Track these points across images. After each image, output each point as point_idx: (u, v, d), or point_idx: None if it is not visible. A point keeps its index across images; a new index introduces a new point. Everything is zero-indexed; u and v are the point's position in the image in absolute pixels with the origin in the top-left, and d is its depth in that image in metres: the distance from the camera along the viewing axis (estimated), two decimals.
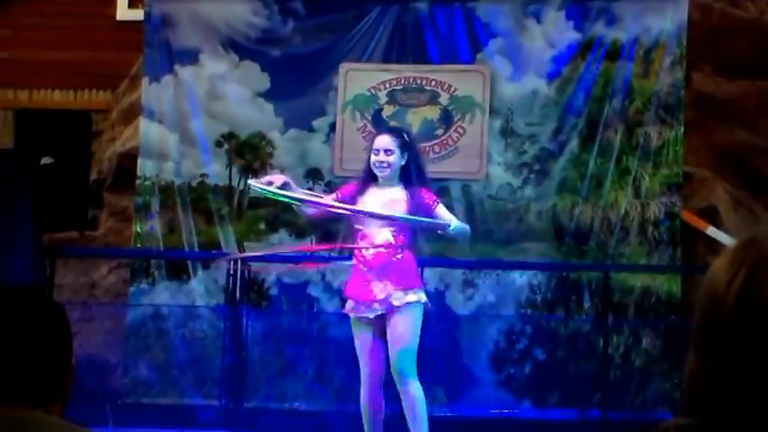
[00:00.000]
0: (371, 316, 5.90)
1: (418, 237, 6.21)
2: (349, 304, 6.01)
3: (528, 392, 8.49)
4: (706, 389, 1.19)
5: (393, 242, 5.94)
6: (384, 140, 6.08)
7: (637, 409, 8.19)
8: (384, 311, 5.88)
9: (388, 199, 5.99)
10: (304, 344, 8.58)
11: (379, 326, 5.93)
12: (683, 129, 8.64)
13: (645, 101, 8.68)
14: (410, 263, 5.99)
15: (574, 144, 8.70)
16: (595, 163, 8.65)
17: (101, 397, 8.09)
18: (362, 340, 5.97)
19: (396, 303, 5.86)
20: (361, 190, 6.08)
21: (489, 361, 8.53)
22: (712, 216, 8.59)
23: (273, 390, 8.51)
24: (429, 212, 5.94)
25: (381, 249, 5.90)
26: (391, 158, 6.01)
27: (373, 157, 6.04)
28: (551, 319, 8.63)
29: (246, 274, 8.60)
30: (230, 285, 8.57)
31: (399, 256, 5.93)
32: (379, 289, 5.89)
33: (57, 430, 1.73)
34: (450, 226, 5.82)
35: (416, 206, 5.94)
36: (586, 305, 8.61)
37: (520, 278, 8.63)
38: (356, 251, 6.03)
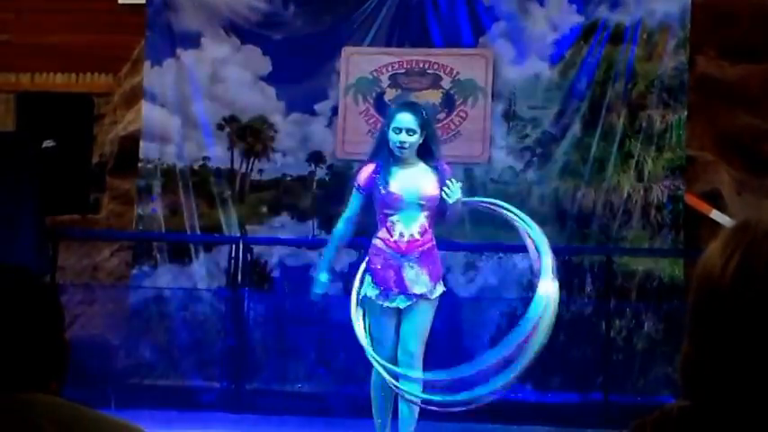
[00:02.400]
0: (402, 306, 5.79)
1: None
2: (374, 290, 5.82)
3: (529, 376, 8.47)
4: (703, 372, 1.19)
5: (428, 228, 5.85)
6: (407, 119, 5.87)
7: (638, 392, 8.20)
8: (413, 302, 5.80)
9: (419, 179, 5.87)
10: (305, 326, 8.59)
11: (397, 314, 5.84)
12: (686, 112, 8.63)
13: (648, 84, 8.67)
14: (436, 250, 5.92)
15: (576, 128, 8.69)
16: (598, 146, 8.64)
17: (103, 378, 8.12)
18: (382, 325, 5.84)
19: (429, 297, 5.81)
20: (384, 171, 5.88)
21: (491, 344, 8.52)
22: (715, 200, 8.58)
23: (275, 372, 8.53)
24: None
25: None
26: (413, 138, 5.84)
27: (394, 136, 5.85)
28: None
29: (248, 257, 8.62)
30: (232, 268, 8.59)
31: (430, 244, 5.84)
32: (413, 278, 5.77)
33: (57, 410, 1.73)
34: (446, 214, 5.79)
35: (442, 181, 5.85)
36: (588, 289, 8.61)
37: (522, 261, 8.63)
38: (386, 236, 5.85)
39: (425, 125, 5.94)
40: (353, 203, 5.98)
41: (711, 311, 1.20)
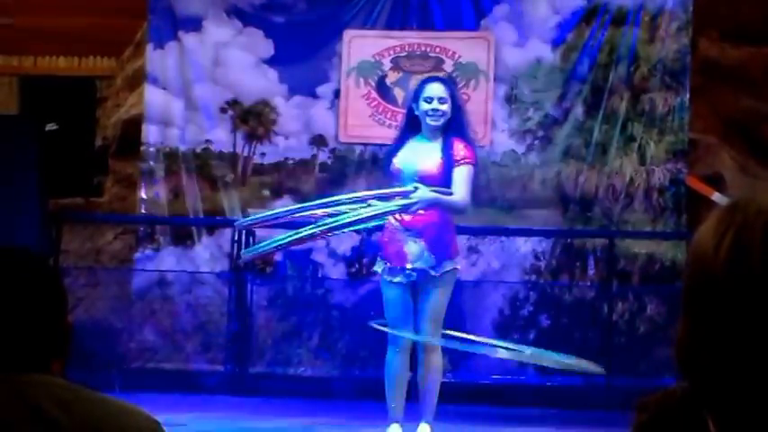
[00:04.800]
0: (405, 282, 5.73)
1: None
2: (381, 265, 5.82)
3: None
4: (700, 354, 1.19)
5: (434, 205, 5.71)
6: (438, 89, 5.81)
7: (641, 375, 8.21)
8: (417, 278, 5.72)
9: (422, 154, 5.77)
10: (308, 310, 8.61)
11: (412, 289, 5.76)
12: (688, 95, 8.62)
13: (650, 67, 8.66)
14: (448, 225, 5.79)
15: (578, 111, 8.69)
16: (600, 130, 8.63)
17: (107, 362, 8.15)
18: (392, 302, 5.78)
19: (432, 274, 5.70)
20: (399, 145, 5.84)
21: (493, 327, 8.54)
22: (717, 183, 8.58)
23: (278, 355, 8.55)
24: (450, 168, 5.75)
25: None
26: (445, 107, 5.76)
27: (425, 105, 5.77)
28: (556, 286, 8.64)
29: (251, 240, 8.63)
30: (235, 251, 8.59)
31: (437, 219, 5.72)
32: (414, 251, 5.68)
33: (59, 391, 1.74)
34: (412, 205, 5.62)
35: (447, 158, 5.74)
36: (591, 272, 8.62)
37: (524, 245, 8.64)
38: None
39: (453, 96, 5.88)
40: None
41: (706, 293, 1.20)
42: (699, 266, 1.20)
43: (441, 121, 5.77)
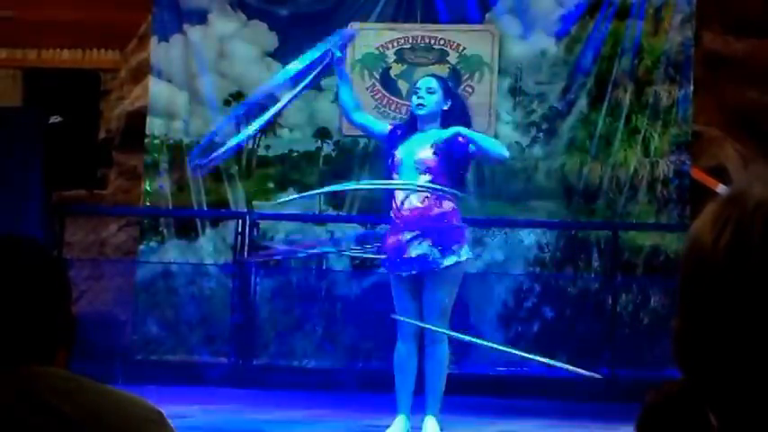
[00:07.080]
0: (404, 275, 5.67)
1: (462, 182, 5.80)
2: (384, 260, 5.83)
3: (536, 351, 8.50)
4: (697, 349, 1.19)
5: (429, 194, 5.62)
6: (426, 80, 5.80)
7: (645, 367, 8.21)
8: (419, 272, 5.64)
9: (421, 142, 5.68)
10: (312, 302, 8.62)
11: (416, 282, 5.69)
12: (692, 87, 8.62)
13: (654, 59, 8.66)
14: (451, 216, 5.68)
15: (582, 103, 8.69)
16: (604, 122, 8.64)
17: (110, 354, 8.15)
18: (398, 296, 5.74)
19: (435, 269, 5.61)
20: (404, 135, 5.77)
21: (497, 319, 8.55)
22: (721, 175, 8.58)
23: (282, 347, 8.56)
24: (461, 147, 5.62)
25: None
26: (434, 97, 5.67)
27: (414, 99, 5.74)
28: (560, 278, 8.64)
29: (255, 232, 8.64)
30: (238, 243, 8.60)
31: (437, 210, 5.62)
32: (414, 248, 5.60)
33: (63, 382, 1.74)
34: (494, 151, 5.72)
35: (448, 146, 5.64)
36: (595, 264, 8.62)
37: (528, 237, 8.64)
38: (394, 206, 5.70)
39: (449, 92, 5.82)
40: (375, 121, 6.14)
41: (704, 287, 1.19)
42: (696, 260, 1.19)
43: (423, 110, 5.69)
